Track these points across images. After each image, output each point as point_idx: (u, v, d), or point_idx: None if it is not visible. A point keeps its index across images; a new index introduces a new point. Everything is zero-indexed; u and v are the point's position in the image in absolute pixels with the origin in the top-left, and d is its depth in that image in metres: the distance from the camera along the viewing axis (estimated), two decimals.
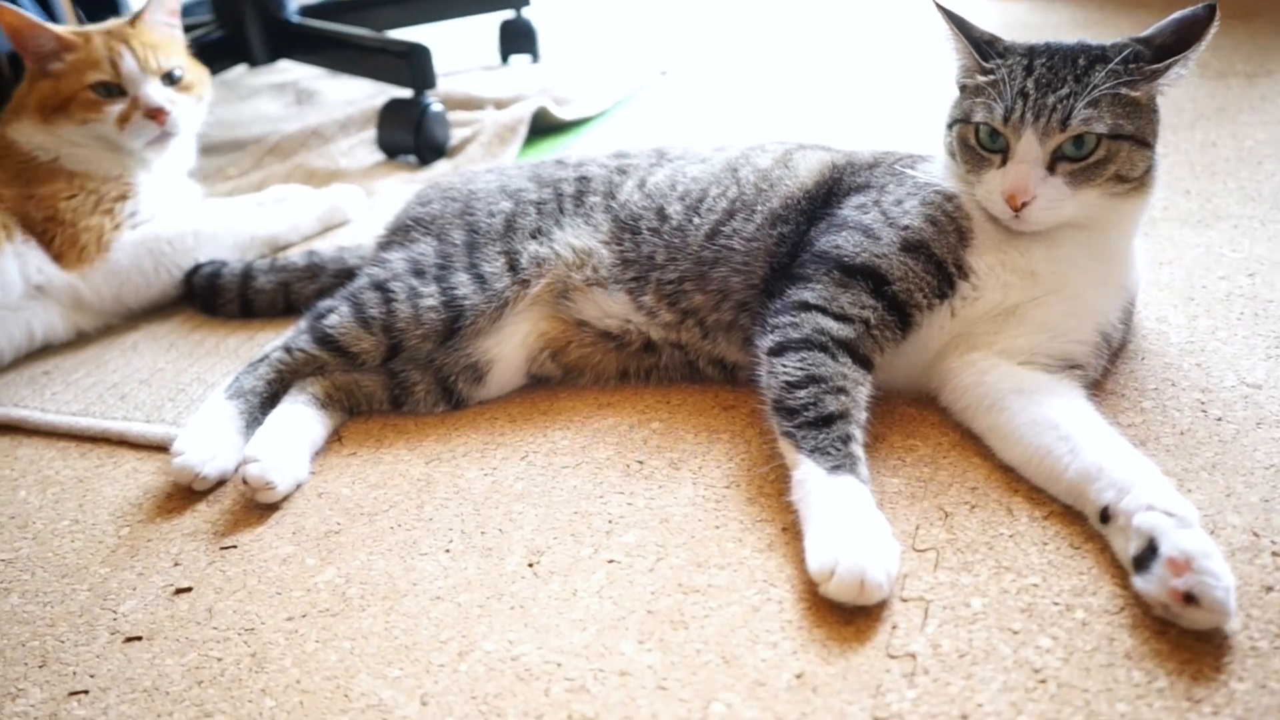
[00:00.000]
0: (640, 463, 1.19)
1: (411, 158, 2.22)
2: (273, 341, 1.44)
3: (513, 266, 1.33)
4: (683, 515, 1.10)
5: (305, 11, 2.62)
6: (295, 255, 1.65)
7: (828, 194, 1.29)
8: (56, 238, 1.65)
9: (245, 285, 1.64)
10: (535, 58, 2.91)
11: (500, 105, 2.41)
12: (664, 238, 1.32)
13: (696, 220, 1.31)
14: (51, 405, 1.47)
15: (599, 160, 1.47)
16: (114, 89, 1.72)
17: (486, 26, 2.99)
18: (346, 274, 1.54)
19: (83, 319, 1.67)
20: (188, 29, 2.50)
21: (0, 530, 1.24)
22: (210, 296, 1.67)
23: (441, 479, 1.21)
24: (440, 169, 2.13)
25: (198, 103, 1.83)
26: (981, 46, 1.17)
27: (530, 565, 1.06)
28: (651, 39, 3.02)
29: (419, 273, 1.35)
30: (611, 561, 1.05)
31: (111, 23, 1.81)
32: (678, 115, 2.39)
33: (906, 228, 1.18)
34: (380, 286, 1.34)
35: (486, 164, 2.07)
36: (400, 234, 1.43)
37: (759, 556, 1.02)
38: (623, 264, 1.33)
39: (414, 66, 2.16)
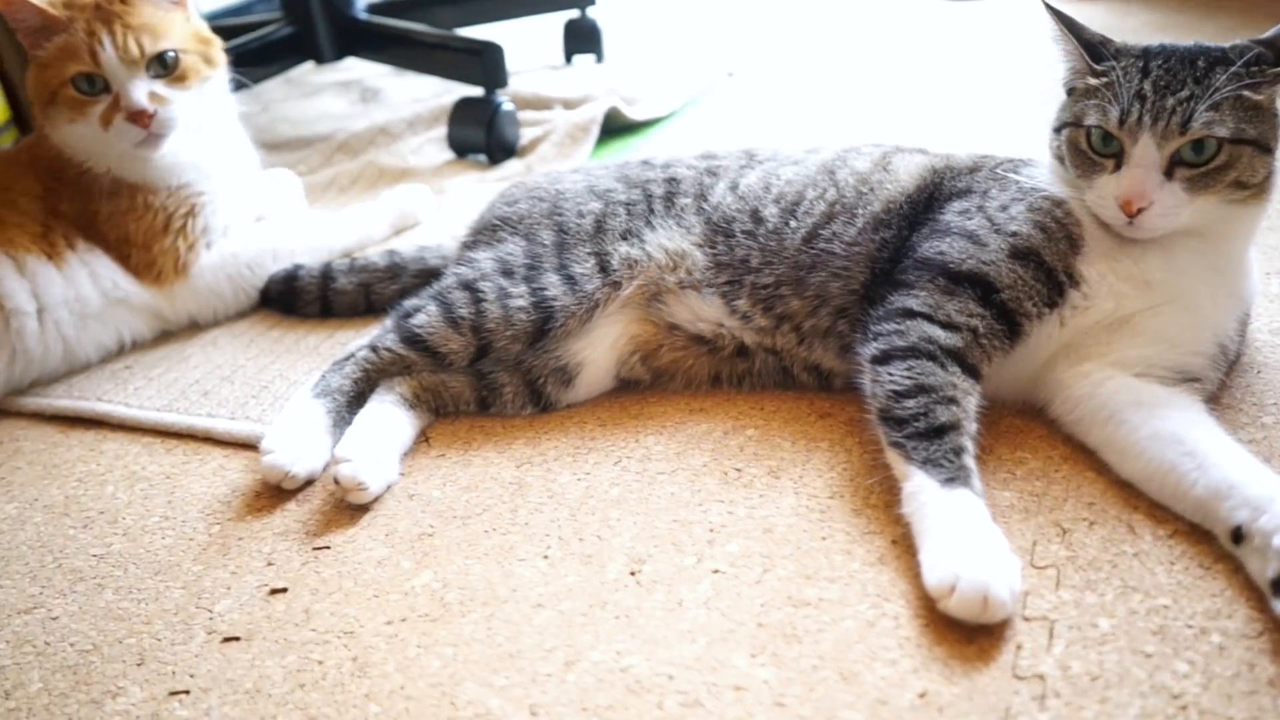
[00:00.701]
0: (738, 470, 1.17)
1: (481, 156, 2.21)
2: (356, 340, 1.43)
3: (603, 268, 1.31)
4: (786, 525, 1.07)
5: (371, 10, 2.61)
6: (375, 255, 1.64)
7: (929, 198, 1.26)
8: (132, 258, 1.60)
9: (325, 286, 1.63)
10: (599, 58, 2.89)
11: (568, 105, 2.39)
12: (759, 241, 1.29)
13: (793, 224, 1.28)
14: (134, 400, 1.47)
15: (687, 161, 1.45)
16: (97, 82, 1.52)
17: (549, 26, 2.98)
18: (428, 274, 1.53)
19: (164, 325, 1.66)
20: (257, 26, 2.53)
21: (90, 525, 1.24)
22: (289, 299, 1.66)
23: (534, 483, 1.20)
24: (512, 168, 2.11)
25: (201, 86, 1.60)
26: (1094, 48, 1.14)
27: (632, 573, 1.04)
28: (717, 40, 2.99)
29: (508, 273, 1.33)
30: (716, 572, 1.02)
31: None
32: (745, 117, 2.36)
33: (1015, 234, 1.15)
34: (469, 286, 1.33)
35: (559, 164, 2.05)
36: (487, 233, 1.42)
37: (870, 570, 1.00)
38: (716, 267, 1.30)
39: (486, 65, 2.15)
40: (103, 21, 1.51)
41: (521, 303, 1.29)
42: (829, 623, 0.94)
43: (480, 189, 2.02)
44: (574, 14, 2.88)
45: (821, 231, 1.26)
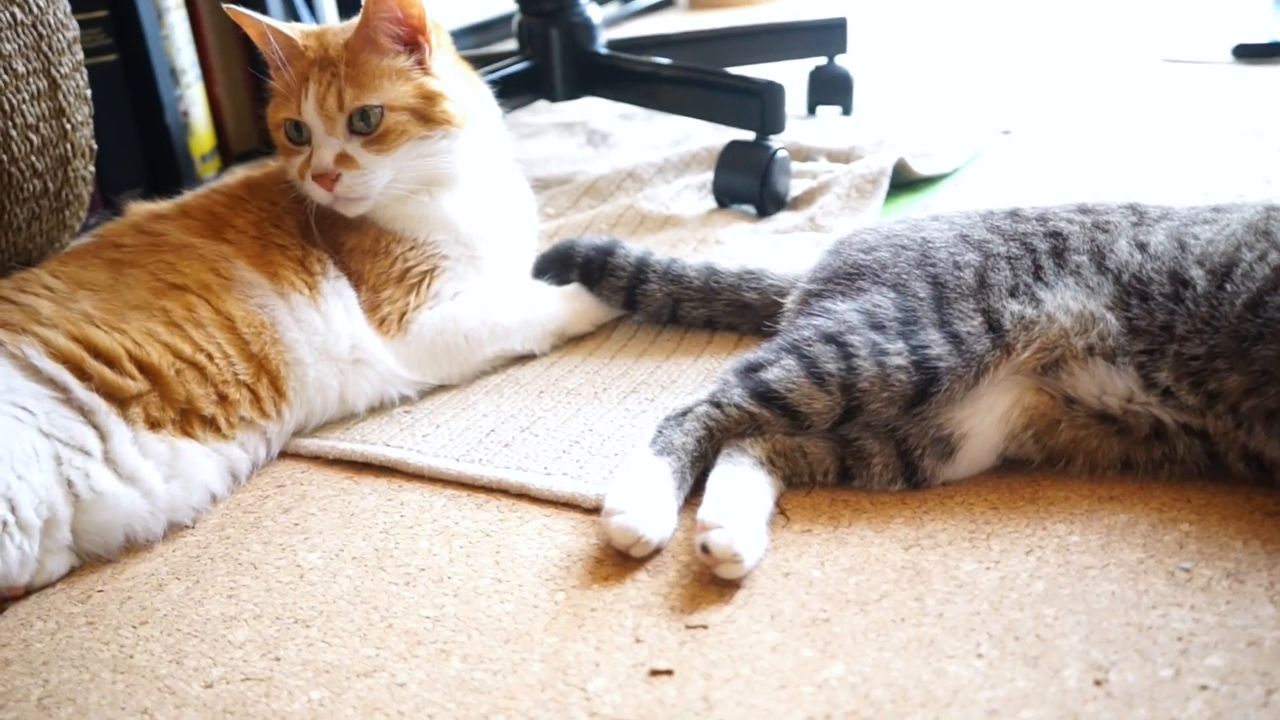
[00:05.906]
0: (1186, 571, 1.09)
1: (745, 206, 2.18)
2: (692, 395, 1.38)
3: (993, 327, 1.26)
4: (1275, 639, 0.99)
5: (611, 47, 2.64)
6: (693, 269, 1.68)
7: None
8: (361, 295, 1.59)
9: (635, 280, 1.71)
10: (846, 110, 2.87)
11: (832, 157, 2.37)
12: (1186, 305, 1.22)
13: (1230, 288, 1.21)
14: (426, 448, 1.45)
15: (1062, 214, 1.39)
16: (304, 131, 1.52)
17: (790, 74, 2.98)
18: (741, 306, 1.63)
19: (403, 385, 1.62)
20: (495, 59, 2.57)
21: (413, 583, 1.21)
22: (599, 272, 1.73)
23: (932, 569, 1.13)
24: (788, 220, 2.08)
25: (411, 149, 1.53)
26: None
27: (1097, 683, 0.96)
28: (985, 94, 2.95)
29: (878, 326, 1.28)
30: (1204, 689, 0.94)
31: (344, 26, 1.55)
32: (1029, 175, 2.30)
33: None
34: (834, 339, 1.28)
35: (846, 218, 2.02)
36: (843, 282, 1.38)
37: None
38: (1132, 333, 1.24)
39: (766, 107, 2.13)
40: (319, 67, 1.49)
41: (900, 361, 1.24)
42: None
43: (758, 241, 2.00)
44: (820, 61, 2.88)
45: (1269, 299, 1.19)
